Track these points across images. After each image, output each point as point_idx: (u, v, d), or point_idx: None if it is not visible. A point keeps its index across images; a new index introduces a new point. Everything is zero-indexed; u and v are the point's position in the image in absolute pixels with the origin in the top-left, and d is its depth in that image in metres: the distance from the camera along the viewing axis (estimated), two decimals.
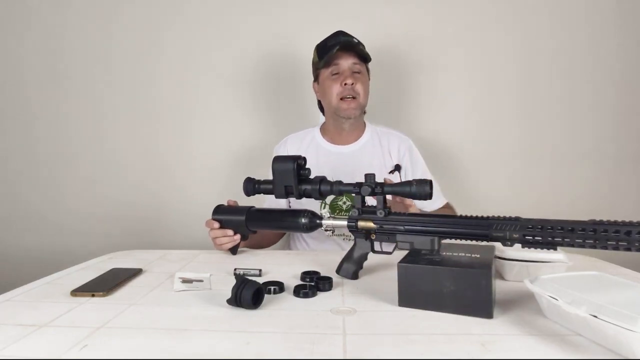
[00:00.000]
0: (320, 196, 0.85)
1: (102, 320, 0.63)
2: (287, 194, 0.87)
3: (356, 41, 1.23)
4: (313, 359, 0.51)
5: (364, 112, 1.30)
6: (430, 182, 0.75)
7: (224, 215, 1.01)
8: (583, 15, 1.58)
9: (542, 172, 1.62)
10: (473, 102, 1.63)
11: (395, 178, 1.26)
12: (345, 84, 1.20)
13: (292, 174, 0.85)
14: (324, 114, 1.36)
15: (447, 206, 1.30)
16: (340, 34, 1.24)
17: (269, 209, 1.02)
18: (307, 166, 0.88)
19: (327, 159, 1.28)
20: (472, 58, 1.61)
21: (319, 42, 1.28)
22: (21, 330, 0.60)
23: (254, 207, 1.00)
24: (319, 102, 1.36)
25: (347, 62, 1.21)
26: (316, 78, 1.30)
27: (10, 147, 1.73)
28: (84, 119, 1.70)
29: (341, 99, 1.22)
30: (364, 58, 1.24)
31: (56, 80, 1.70)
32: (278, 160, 0.87)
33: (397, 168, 1.27)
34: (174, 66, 1.67)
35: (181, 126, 1.68)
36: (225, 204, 1.05)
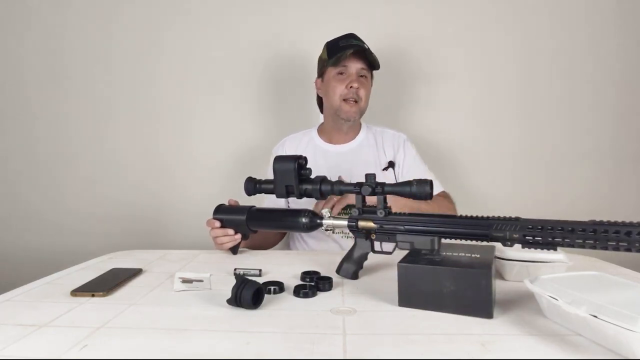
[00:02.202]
0: (321, 196, 0.85)
1: (102, 320, 0.63)
2: (288, 194, 0.87)
3: (366, 47, 1.25)
4: (313, 359, 0.51)
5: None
6: (431, 182, 0.75)
7: (225, 214, 1.01)
8: (583, 15, 1.59)
9: (542, 172, 1.62)
10: (473, 102, 1.63)
11: (390, 175, 1.28)
12: (351, 87, 1.21)
13: (293, 173, 0.85)
14: (321, 111, 1.37)
15: (444, 195, 1.30)
16: (351, 36, 1.25)
17: (270, 209, 1.02)
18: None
19: (324, 158, 1.30)
20: (472, 58, 1.61)
21: (329, 40, 1.29)
22: (21, 330, 0.60)
23: (254, 206, 1.00)
24: (318, 99, 1.37)
25: (355, 66, 1.22)
26: (321, 75, 1.31)
27: (11, 147, 1.73)
28: (84, 119, 1.70)
29: (344, 100, 1.23)
30: (372, 65, 1.26)
31: (56, 80, 1.70)
32: (279, 160, 0.87)
33: (391, 165, 1.29)
34: (174, 66, 1.67)
35: (181, 126, 1.68)
36: (226, 203, 1.05)
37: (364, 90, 1.24)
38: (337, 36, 1.28)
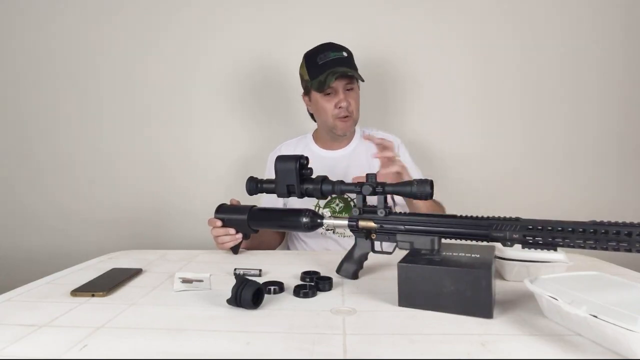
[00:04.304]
0: (322, 195, 0.85)
1: (102, 320, 0.63)
2: (289, 193, 0.87)
3: (346, 55, 1.22)
4: (313, 359, 0.51)
5: None
6: (431, 182, 0.75)
7: (227, 214, 1.01)
8: (586, 14, 1.58)
9: (543, 172, 1.62)
10: (474, 102, 1.62)
11: None
12: (340, 107, 1.21)
13: (295, 173, 0.85)
14: (314, 120, 1.38)
15: (434, 202, 1.30)
16: (328, 47, 1.22)
17: (271, 208, 1.02)
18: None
19: (320, 164, 1.26)
20: (472, 59, 1.61)
21: (307, 50, 1.26)
22: (21, 330, 0.60)
23: (255, 206, 1.00)
24: (309, 111, 1.37)
25: (340, 84, 1.20)
26: (306, 93, 1.30)
27: (10, 148, 1.73)
28: (84, 121, 1.70)
29: (337, 118, 1.23)
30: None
31: (54, 82, 1.70)
32: (281, 159, 0.87)
33: None
34: (173, 67, 1.67)
35: (180, 127, 1.69)
36: (228, 203, 1.05)
37: (353, 102, 1.23)
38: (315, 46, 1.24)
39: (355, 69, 1.24)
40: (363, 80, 1.24)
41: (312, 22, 1.61)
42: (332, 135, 1.30)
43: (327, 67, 1.18)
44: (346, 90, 1.22)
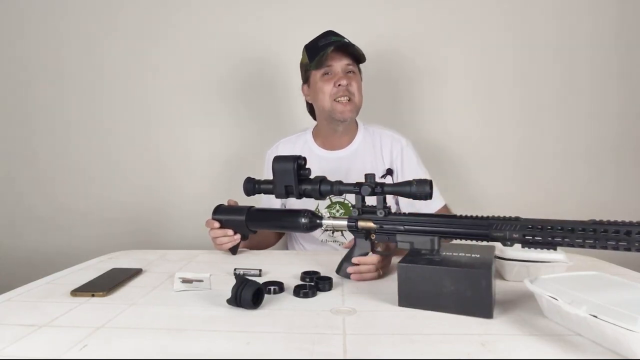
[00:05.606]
0: (321, 196, 0.85)
1: (102, 320, 0.63)
2: (287, 194, 0.87)
3: (347, 41, 1.19)
4: (313, 359, 0.51)
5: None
6: (430, 182, 0.75)
7: (224, 215, 1.01)
8: (583, 12, 1.58)
9: (543, 171, 1.62)
10: (473, 102, 1.62)
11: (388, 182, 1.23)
12: (339, 85, 1.15)
13: (293, 173, 0.85)
14: (314, 118, 1.32)
15: (446, 208, 1.27)
16: (330, 33, 1.19)
17: (269, 209, 1.02)
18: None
19: (319, 165, 1.23)
20: (470, 57, 1.61)
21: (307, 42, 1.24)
22: (21, 330, 0.60)
23: (253, 207, 1.00)
24: (308, 106, 1.32)
25: (340, 63, 1.16)
26: (306, 80, 1.25)
27: (10, 148, 1.73)
28: (84, 121, 1.70)
29: (335, 100, 1.17)
30: (357, 58, 1.20)
31: (55, 82, 1.70)
32: (278, 160, 0.87)
33: (389, 172, 1.24)
34: (173, 67, 1.67)
35: (180, 127, 1.69)
36: (226, 203, 1.05)
37: (355, 84, 1.17)
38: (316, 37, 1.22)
39: (360, 51, 1.19)
40: (364, 59, 1.20)
41: (312, 22, 1.60)
42: (332, 125, 1.22)
43: (328, 46, 1.14)
44: (347, 72, 1.17)
